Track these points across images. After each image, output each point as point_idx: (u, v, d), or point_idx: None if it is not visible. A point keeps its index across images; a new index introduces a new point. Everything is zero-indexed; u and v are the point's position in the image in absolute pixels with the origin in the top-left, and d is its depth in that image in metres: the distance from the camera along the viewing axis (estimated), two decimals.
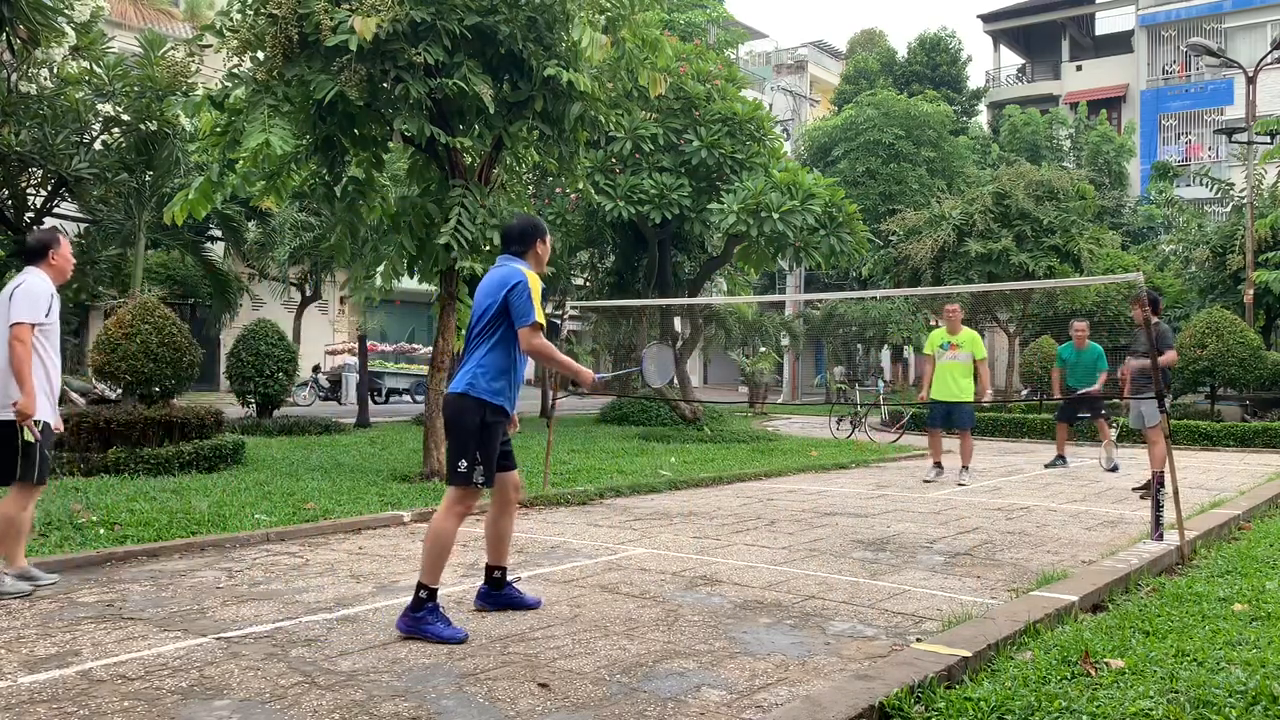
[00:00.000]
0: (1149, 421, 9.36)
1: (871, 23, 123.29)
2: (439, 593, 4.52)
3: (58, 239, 5.44)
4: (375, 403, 26.08)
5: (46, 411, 5.22)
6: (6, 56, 11.41)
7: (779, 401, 32.93)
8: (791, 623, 4.74)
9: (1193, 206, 24.46)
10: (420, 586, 4.47)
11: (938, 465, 10.85)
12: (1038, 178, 22.23)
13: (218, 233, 18.13)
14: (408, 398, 28.00)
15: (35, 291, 5.17)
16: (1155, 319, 9.46)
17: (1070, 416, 12.46)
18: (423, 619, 4.42)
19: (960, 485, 10.37)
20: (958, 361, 10.35)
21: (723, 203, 14.99)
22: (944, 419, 10.60)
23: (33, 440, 5.11)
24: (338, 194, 9.37)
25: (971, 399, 10.44)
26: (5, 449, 5.14)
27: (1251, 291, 18.59)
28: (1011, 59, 44.94)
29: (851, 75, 40.82)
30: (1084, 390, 11.40)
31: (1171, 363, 9.45)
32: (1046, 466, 12.32)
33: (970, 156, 33.25)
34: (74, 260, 5.67)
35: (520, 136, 9.28)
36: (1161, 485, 6.59)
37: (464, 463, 4.52)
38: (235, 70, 8.51)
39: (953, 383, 10.32)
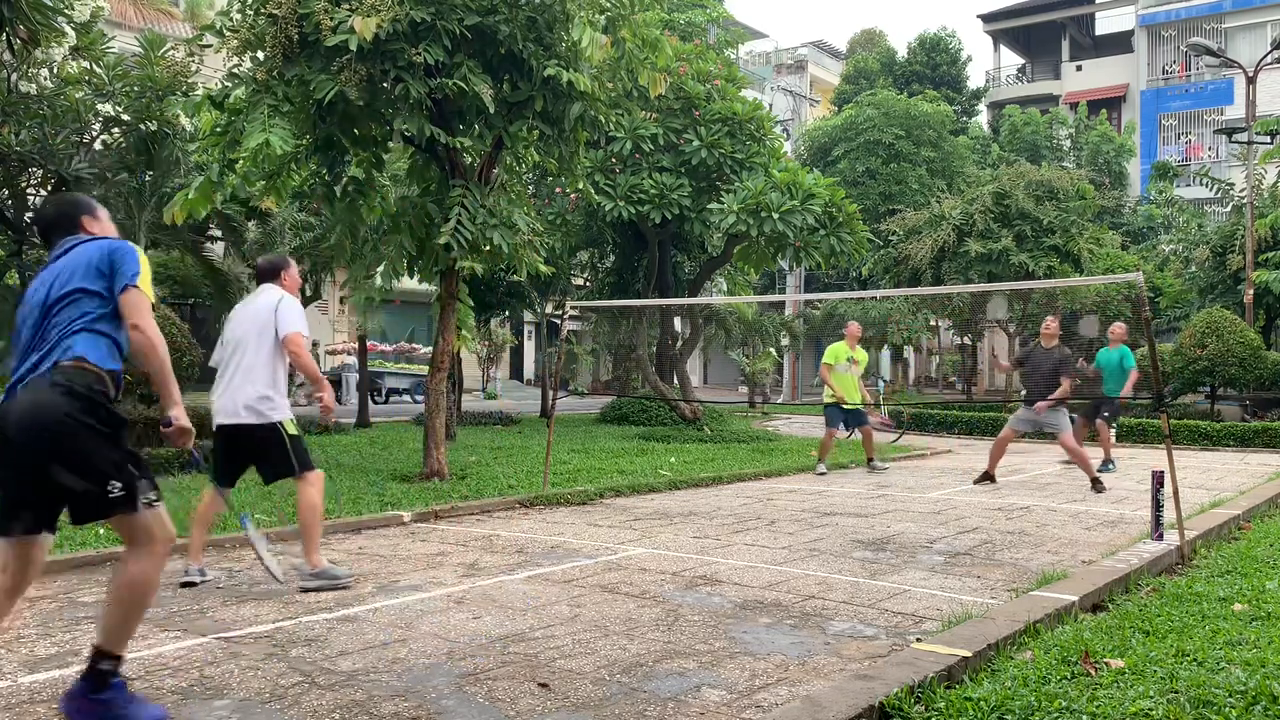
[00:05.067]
0: (1058, 429, 9.92)
1: (871, 23, 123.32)
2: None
3: (289, 261, 5.93)
4: (375, 403, 26.09)
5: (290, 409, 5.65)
6: (6, 56, 11.38)
7: (779, 401, 32.92)
8: (791, 623, 4.74)
9: (1193, 206, 24.43)
10: (102, 655, 3.23)
11: (823, 462, 11.73)
12: (1038, 178, 22.23)
13: (218, 233, 18.09)
14: (408, 398, 28.02)
15: (299, 306, 5.66)
16: (1059, 345, 10.18)
17: (1095, 415, 12.49)
18: (110, 702, 3.19)
19: (820, 474, 11.33)
20: (852, 375, 11.68)
21: (723, 203, 14.98)
22: (845, 421, 11.80)
23: (298, 433, 5.55)
24: (338, 194, 9.36)
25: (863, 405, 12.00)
26: (269, 447, 5.44)
27: (1251, 291, 18.58)
28: (1011, 59, 44.96)
29: (851, 75, 40.87)
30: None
31: (1064, 394, 9.91)
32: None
33: (970, 156, 33.27)
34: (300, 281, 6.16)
35: (520, 136, 9.27)
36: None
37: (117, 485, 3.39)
38: (235, 70, 8.50)
39: (856, 391, 11.71)
